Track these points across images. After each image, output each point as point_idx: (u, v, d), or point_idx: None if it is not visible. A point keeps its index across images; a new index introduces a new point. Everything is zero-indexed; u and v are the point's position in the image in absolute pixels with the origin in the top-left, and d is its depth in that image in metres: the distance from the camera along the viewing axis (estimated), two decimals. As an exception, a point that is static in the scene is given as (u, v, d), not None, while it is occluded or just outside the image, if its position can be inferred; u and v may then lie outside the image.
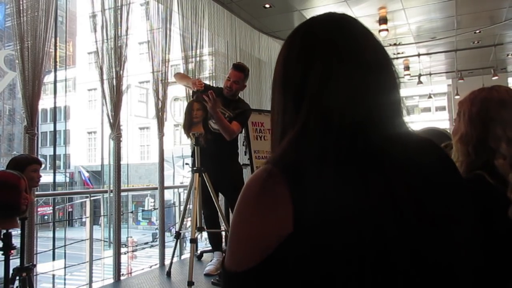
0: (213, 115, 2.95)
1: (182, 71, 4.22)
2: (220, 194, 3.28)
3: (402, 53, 7.44)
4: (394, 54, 7.42)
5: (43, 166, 3.19)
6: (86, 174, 21.92)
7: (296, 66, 0.60)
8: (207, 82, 4.55)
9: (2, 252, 1.95)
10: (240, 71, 3.24)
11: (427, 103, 17.54)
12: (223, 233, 3.35)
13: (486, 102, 1.16)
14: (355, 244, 0.48)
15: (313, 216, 0.48)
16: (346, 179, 0.51)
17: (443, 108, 16.37)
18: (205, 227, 3.26)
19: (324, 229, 0.48)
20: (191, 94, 3.50)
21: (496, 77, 7.91)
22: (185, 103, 3.67)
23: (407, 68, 8.36)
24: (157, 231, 4.21)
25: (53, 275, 8.01)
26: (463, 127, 1.17)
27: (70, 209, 19.63)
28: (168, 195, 7.38)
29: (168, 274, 3.17)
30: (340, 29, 0.62)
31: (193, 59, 4.25)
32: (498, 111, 1.13)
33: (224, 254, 3.18)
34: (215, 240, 3.34)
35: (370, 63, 0.59)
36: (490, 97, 1.17)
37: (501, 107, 1.13)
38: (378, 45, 0.62)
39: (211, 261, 3.30)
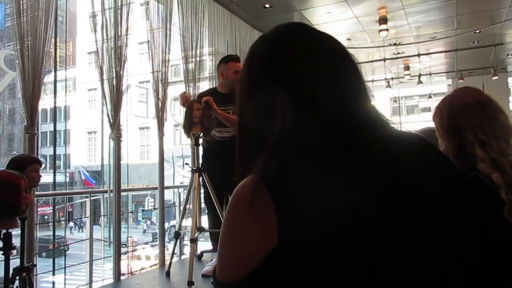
0: (218, 117, 2.94)
1: (182, 72, 4.22)
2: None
3: (402, 53, 7.44)
4: (394, 54, 7.43)
5: (43, 166, 3.19)
6: (87, 174, 21.92)
7: (264, 72, 0.60)
8: (207, 82, 4.56)
9: (2, 252, 1.95)
10: (240, 62, 3.25)
11: (427, 103, 17.54)
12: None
13: (452, 111, 1.16)
14: (338, 254, 0.48)
15: (297, 228, 0.49)
16: (331, 190, 0.50)
17: (443, 108, 16.33)
18: (205, 227, 3.26)
19: (308, 241, 0.48)
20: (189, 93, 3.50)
21: (496, 77, 7.91)
22: (185, 103, 3.67)
23: (407, 68, 8.35)
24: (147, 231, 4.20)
25: (53, 282, 8.04)
26: (443, 142, 1.18)
27: (70, 209, 19.63)
28: (168, 195, 7.38)
29: (168, 274, 3.17)
30: (319, 35, 0.63)
31: (193, 59, 4.25)
32: (465, 117, 1.13)
33: None
34: (217, 240, 3.31)
35: (351, 67, 0.60)
36: (454, 105, 1.17)
37: (466, 112, 1.13)
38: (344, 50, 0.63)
39: (211, 261, 3.30)
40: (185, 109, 3.05)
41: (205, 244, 4.20)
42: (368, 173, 0.52)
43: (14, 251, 2.01)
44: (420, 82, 8.86)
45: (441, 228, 0.53)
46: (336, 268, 0.48)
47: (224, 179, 3.04)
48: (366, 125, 0.57)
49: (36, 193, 2.78)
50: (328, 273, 0.48)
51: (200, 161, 3.11)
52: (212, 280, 2.92)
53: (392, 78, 8.74)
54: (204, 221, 3.57)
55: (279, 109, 0.57)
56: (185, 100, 3.07)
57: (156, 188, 4.02)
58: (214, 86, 3.68)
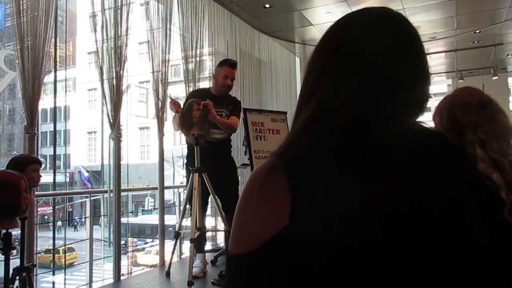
0: (215, 122, 3.01)
1: (182, 72, 4.22)
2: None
3: (402, 53, 7.42)
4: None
5: (43, 166, 3.19)
6: (86, 174, 21.91)
7: (314, 66, 0.63)
8: (207, 82, 4.56)
9: (2, 252, 1.95)
10: (236, 68, 3.33)
11: (427, 103, 17.53)
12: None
13: (452, 110, 1.17)
14: (345, 245, 0.49)
15: (307, 211, 0.51)
16: (345, 178, 0.52)
17: (443, 108, 16.35)
18: (204, 228, 3.26)
19: (316, 226, 0.50)
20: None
21: (496, 77, 7.90)
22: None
23: (407, 68, 8.33)
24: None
25: (53, 282, 8.04)
26: None
27: (70, 209, 19.63)
28: (168, 195, 7.37)
29: (168, 274, 3.17)
30: (365, 28, 0.63)
31: (193, 59, 4.25)
32: (465, 116, 1.13)
33: (205, 255, 3.14)
34: (201, 242, 3.25)
35: (387, 63, 0.59)
36: (454, 105, 1.17)
37: (466, 112, 1.13)
38: (403, 41, 0.62)
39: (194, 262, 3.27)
40: (185, 109, 3.05)
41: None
42: (381, 169, 0.53)
43: (14, 251, 2.01)
44: (420, 82, 8.84)
45: (452, 224, 0.53)
46: (341, 259, 0.49)
47: (211, 178, 3.04)
48: (389, 121, 0.57)
49: (36, 193, 2.78)
50: (332, 262, 0.49)
51: (197, 160, 3.07)
52: (212, 280, 2.93)
53: (392, 78, 8.72)
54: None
55: (303, 102, 0.61)
56: (177, 106, 3.05)
57: (156, 188, 4.02)
58: (209, 86, 3.66)
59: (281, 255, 0.51)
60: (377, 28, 0.61)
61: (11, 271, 2.02)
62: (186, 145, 3.37)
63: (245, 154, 4.08)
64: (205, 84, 4.47)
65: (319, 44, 0.64)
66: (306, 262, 0.50)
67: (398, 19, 0.63)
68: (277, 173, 0.53)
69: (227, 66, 3.25)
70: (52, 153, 20.70)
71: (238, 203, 0.57)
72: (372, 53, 0.59)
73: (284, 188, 0.52)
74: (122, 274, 3.51)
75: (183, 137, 3.26)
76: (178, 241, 3.51)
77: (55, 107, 20.21)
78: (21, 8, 2.59)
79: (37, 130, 2.72)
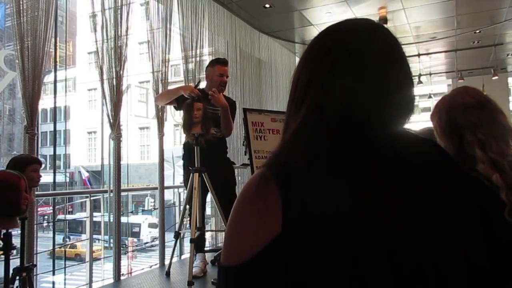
0: (224, 111, 3.08)
1: (182, 72, 4.22)
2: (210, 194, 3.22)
3: (402, 53, 7.43)
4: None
5: (43, 166, 3.19)
6: (86, 174, 21.90)
7: (304, 70, 0.63)
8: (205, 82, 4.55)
9: (2, 252, 1.95)
10: (227, 65, 3.35)
11: (427, 103, 17.50)
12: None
13: (451, 111, 1.16)
14: (335, 251, 0.49)
15: (299, 220, 0.51)
16: (335, 184, 0.52)
17: (443, 108, 16.33)
18: (204, 227, 3.26)
19: (308, 233, 0.50)
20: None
21: (496, 77, 7.90)
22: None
23: (407, 68, 8.33)
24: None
25: (53, 282, 8.04)
26: (441, 142, 1.17)
27: (70, 209, 19.61)
28: (168, 195, 7.36)
29: (167, 274, 3.17)
30: (355, 36, 0.63)
31: (193, 59, 4.25)
32: (464, 117, 1.12)
33: (205, 255, 3.12)
34: (200, 242, 3.22)
35: (376, 64, 0.59)
36: (453, 105, 1.16)
37: (465, 112, 1.12)
38: (388, 45, 0.62)
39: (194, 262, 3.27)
40: (184, 109, 3.05)
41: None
42: (374, 177, 0.53)
43: (14, 251, 2.01)
44: (420, 82, 8.85)
45: (445, 230, 0.53)
46: (333, 266, 0.49)
47: (214, 179, 3.04)
48: (381, 127, 0.57)
49: (36, 193, 2.78)
50: (325, 269, 0.49)
51: (197, 160, 3.06)
52: (212, 280, 2.93)
53: (392, 78, 8.71)
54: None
55: (293, 107, 0.62)
56: (194, 91, 3.05)
57: (156, 188, 4.02)
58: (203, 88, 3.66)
59: (274, 263, 0.51)
60: (364, 33, 0.62)
61: (11, 271, 2.02)
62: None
63: (245, 154, 4.07)
64: (205, 84, 4.46)
65: (307, 51, 0.64)
66: (300, 268, 0.50)
67: (381, 26, 0.64)
68: (267, 184, 0.54)
69: (219, 65, 3.29)
70: (52, 153, 20.69)
71: (230, 216, 0.57)
72: (362, 56, 0.59)
73: (275, 197, 0.52)
74: (122, 274, 3.51)
75: (183, 137, 3.26)
76: (178, 241, 3.51)
77: (55, 107, 20.21)
78: (21, 8, 2.59)
79: (37, 130, 2.72)
